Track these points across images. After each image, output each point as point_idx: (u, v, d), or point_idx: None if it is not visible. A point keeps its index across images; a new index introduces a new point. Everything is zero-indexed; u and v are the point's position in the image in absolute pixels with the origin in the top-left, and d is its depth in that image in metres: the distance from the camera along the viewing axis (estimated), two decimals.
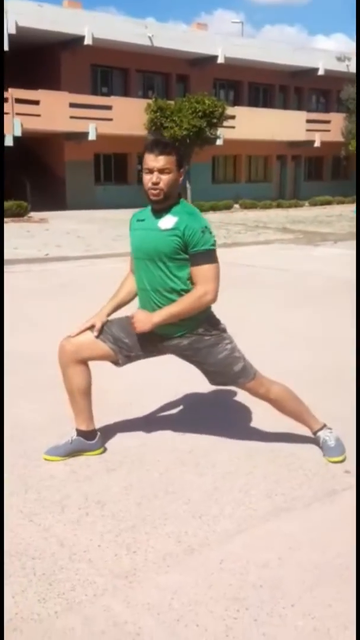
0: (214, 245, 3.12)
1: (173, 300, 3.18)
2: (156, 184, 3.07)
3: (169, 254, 3.13)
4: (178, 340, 3.27)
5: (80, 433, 3.43)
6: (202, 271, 3.10)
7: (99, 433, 3.49)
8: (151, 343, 3.30)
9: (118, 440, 3.64)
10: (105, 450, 3.50)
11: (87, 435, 3.43)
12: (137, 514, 2.88)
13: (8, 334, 5.79)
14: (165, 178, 3.07)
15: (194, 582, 2.39)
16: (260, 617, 2.21)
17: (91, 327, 3.30)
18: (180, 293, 3.17)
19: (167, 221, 3.14)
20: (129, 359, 3.35)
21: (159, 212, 3.19)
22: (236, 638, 2.11)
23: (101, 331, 3.29)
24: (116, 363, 3.36)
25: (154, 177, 3.07)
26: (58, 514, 2.86)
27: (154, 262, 3.18)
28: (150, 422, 3.92)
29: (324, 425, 3.52)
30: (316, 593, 2.35)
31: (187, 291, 3.17)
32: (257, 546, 2.64)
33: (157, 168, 3.06)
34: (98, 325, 3.29)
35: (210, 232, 3.12)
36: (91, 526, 2.77)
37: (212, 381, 3.47)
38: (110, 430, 3.71)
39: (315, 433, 3.51)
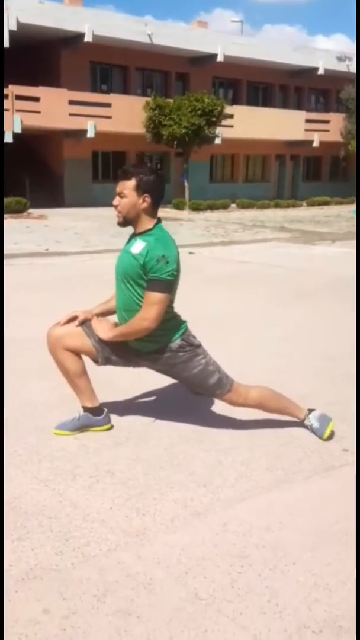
0: (169, 275, 3.22)
1: None
2: (115, 206, 3.35)
3: (135, 277, 3.30)
4: (153, 356, 3.43)
5: (86, 409, 3.58)
6: (147, 297, 3.26)
7: (105, 410, 3.64)
8: (129, 354, 3.48)
9: (124, 418, 3.79)
10: (112, 427, 3.64)
11: (93, 411, 3.58)
12: (144, 482, 3.04)
13: (19, 322, 5.99)
14: (122, 201, 3.31)
15: (201, 541, 2.55)
16: (264, 573, 2.37)
17: (75, 318, 3.48)
18: None
19: (138, 245, 3.30)
20: (109, 361, 3.50)
21: (135, 236, 3.39)
22: (241, 589, 2.26)
23: (85, 325, 3.47)
24: (95, 361, 3.52)
25: (115, 200, 3.34)
26: (71, 481, 3.02)
27: (124, 283, 3.37)
28: (154, 403, 4.08)
29: (308, 411, 3.66)
30: (316, 553, 2.50)
31: None
32: (259, 512, 2.80)
33: (117, 192, 3.34)
34: (81, 317, 3.48)
35: (168, 262, 3.20)
36: (102, 492, 2.92)
37: (191, 391, 3.67)
38: (116, 410, 3.86)
39: (302, 421, 3.67)
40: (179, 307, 3.50)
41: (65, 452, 3.33)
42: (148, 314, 3.24)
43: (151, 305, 3.24)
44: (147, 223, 3.34)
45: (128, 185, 3.29)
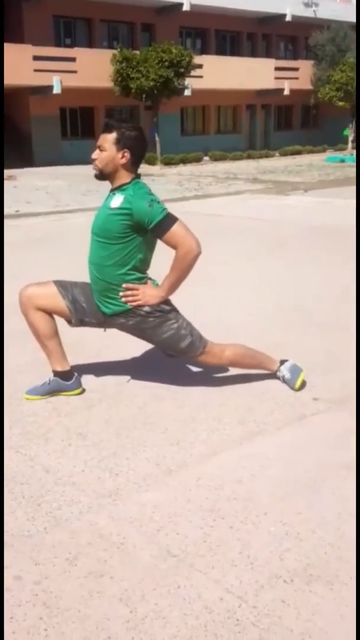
0: (165, 209, 3.19)
1: (106, 275, 3.30)
2: (93, 160, 3.27)
3: (110, 231, 3.24)
4: (123, 320, 3.39)
5: (56, 374, 3.55)
6: (172, 235, 3.17)
7: (75, 374, 3.61)
8: (101, 316, 3.43)
9: (96, 381, 3.77)
10: (84, 391, 3.63)
11: (63, 375, 3.55)
12: (117, 442, 3.04)
13: None
14: (101, 155, 3.24)
15: (173, 498, 2.56)
16: (235, 525, 2.39)
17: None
18: (112, 273, 3.29)
19: (116, 200, 3.24)
20: (82, 322, 3.47)
21: (113, 191, 3.31)
22: (213, 543, 2.28)
23: (60, 285, 3.42)
24: (69, 322, 3.48)
25: (95, 153, 3.27)
26: (42, 445, 3.01)
27: (97, 237, 3.32)
28: (126, 364, 4.06)
29: (280, 362, 3.67)
30: (287, 503, 2.53)
31: (122, 274, 3.29)
32: (231, 466, 2.82)
33: (97, 145, 3.26)
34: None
35: (158, 202, 3.19)
36: (74, 455, 2.92)
37: (164, 353, 3.65)
38: (87, 372, 3.85)
39: (275, 373, 3.68)
40: (154, 264, 3.44)
41: (37, 417, 3.31)
42: (186, 245, 3.17)
43: (182, 239, 3.17)
44: (124, 178, 3.27)
45: (108, 139, 3.21)
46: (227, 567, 2.15)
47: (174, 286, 3.31)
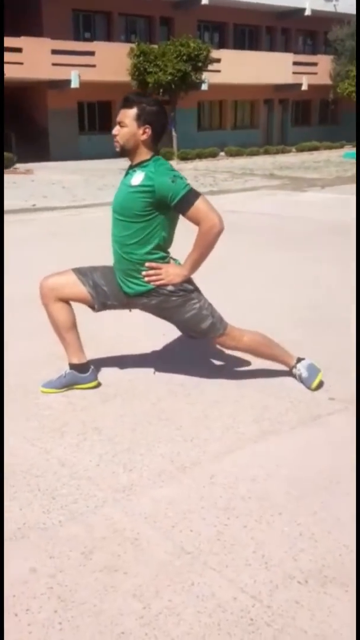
0: (188, 184, 3.17)
1: (129, 254, 3.28)
2: (114, 135, 3.21)
3: (133, 210, 3.21)
4: (146, 300, 3.38)
5: (72, 366, 3.56)
6: (195, 210, 3.15)
7: (92, 367, 3.62)
8: (123, 297, 3.43)
9: (111, 375, 3.78)
10: (99, 384, 3.64)
11: (79, 368, 3.56)
12: (131, 438, 3.04)
13: (9, 280, 5.94)
14: (122, 130, 3.18)
15: (187, 494, 2.57)
16: (249, 524, 2.39)
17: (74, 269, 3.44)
18: (135, 252, 3.26)
19: (137, 177, 3.20)
20: (105, 306, 3.46)
21: (132, 168, 3.28)
22: (227, 542, 2.28)
23: (80, 272, 3.41)
24: (92, 307, 3.48)
25: (115, 129, 3.21)
26: (58, 439, 3.03)
27: (119, 216, 3.29)
28: (141, 359, 4.07)
29: (297, 360, 3.64)
30: (302, 503, 2.52)
31: (145, 254, 3.26)
32: (246, 464, 2.82)
33: (117, 121, 3.20)
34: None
35: (181, 178, 3.16)
36: (89, 449, 2.93)
37: (185, 334, 3.63)
38: (103, 366, 3.86)
39: (291, 370, 3.66)
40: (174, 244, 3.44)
41: (52, 411, 3.33)
42: (210, 220, 3.15)
43: (205, 214, 3.15)
44: (144, 155, 3.23)
45: (129, 114, 3.16)
46: (241, 566, 2.16)
47: (196, 264, 3.29)
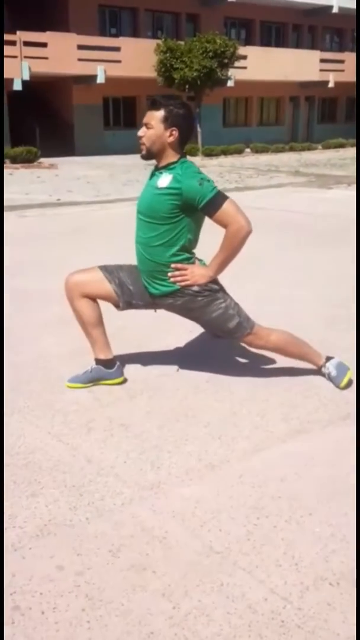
0: (215, 187, 3.15)
1: (154, 256, 3.26)
2: (140, 137, 3.19)
3: (158, 212, 3.18)
4: (171, 300, 3.35)
5: (98, 362, 3.54)
6: (223, 213, 3.13)
7: (118, 362, 3.59)
8: (148, 297, 3.40)
9: (138, 371, 3.75)
10: (125, 380, 3.61)
11: (105, 363, 3.54)
12: (159, 435, 3.01)
13: (33, 275, 5.97)
14: (148, 133, 3.16)
15: (216, 493, 2.53)
16: (280, 524, 2.35)
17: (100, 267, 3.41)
18: (160, 254, 3.24)
19: (164, 179, 3.18)
20: (130, 305, 3.43)
21: (159, 170, 3.25)
22: (257, 542, 2.24)
23: (106, 270, 3.39)
24: (117, 306, 3.45)
25: (141, 130, 3.18)
26: (85, 435, 3.00)
27: (145, 217, 3.27)
28: (168, 355, 4.04)
29: (326, 359, 3.59)
30: (332, 504, 2.48)
31: (171, 255, 3.24)
32: (275, 463, 2.77)
33: (144, 122, 3.18)
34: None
35: (208, 181, 3.14)
36: (116, 445, 2.91)
37: (211, 333, 3.60)
38: (129, 362, 3.83)
39: (320, 369, 3.60)
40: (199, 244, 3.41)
41: (79, 406, 3.31)
42: (237, 223, 3.13)
43: (232, 217, 3.12)
44: (171, 157, 3.22)
45: (156, 116, 3.15)
46: (272, 566, 2.11)
47: (222, 266, 3.26)
